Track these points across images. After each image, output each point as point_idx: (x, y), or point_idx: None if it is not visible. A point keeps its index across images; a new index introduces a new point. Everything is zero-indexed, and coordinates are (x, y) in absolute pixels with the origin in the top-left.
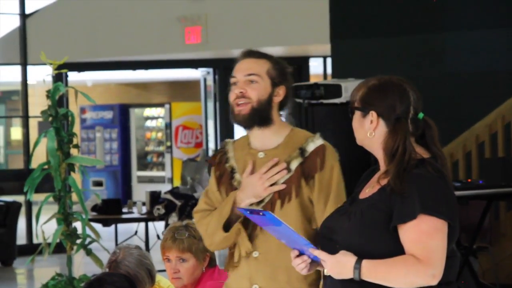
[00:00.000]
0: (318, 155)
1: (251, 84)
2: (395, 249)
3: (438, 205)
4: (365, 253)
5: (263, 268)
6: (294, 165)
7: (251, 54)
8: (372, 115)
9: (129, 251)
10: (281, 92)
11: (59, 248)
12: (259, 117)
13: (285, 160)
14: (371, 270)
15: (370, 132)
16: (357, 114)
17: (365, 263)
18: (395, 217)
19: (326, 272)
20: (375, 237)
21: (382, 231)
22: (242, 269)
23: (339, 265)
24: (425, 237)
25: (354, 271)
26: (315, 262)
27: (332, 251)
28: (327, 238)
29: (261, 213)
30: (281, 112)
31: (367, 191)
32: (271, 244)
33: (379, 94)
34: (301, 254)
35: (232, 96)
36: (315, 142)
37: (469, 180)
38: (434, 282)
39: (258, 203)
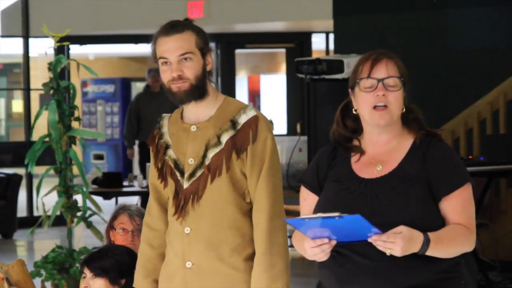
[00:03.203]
0: (250, 127)
1: (185, 63)
2: (439, 219)
3: (468, 174)
4: (414, 228)
5: (195, 244)
6: (224, 138)
7: (174, 28)
8: (406, 87)
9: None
10: (210, 59)
11: (59, 221)
12: (198, 92)
13: (216, 133)
14: (437, 243)
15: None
16: (401, 89)
17: (432, 236)
18: (443, 187)
19: (389, 252)
20: (422, 210)
21: (427, 202)
22: (176, 247)
23: (412, 241)
24: (468, 205)
25: (423, 246)
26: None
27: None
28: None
29: (337, 217)
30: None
31: (380, 169)
32: (202, 221)
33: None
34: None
35: (166, 78)
36: (247, 114)
37: (470, 157)
38: (473, 248)
39: (190, 177)
